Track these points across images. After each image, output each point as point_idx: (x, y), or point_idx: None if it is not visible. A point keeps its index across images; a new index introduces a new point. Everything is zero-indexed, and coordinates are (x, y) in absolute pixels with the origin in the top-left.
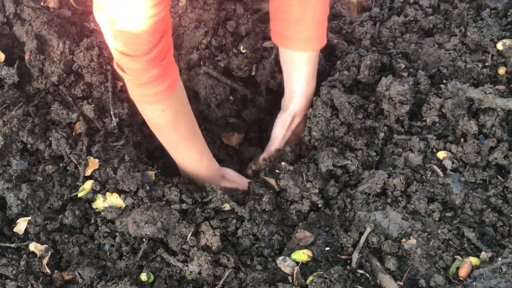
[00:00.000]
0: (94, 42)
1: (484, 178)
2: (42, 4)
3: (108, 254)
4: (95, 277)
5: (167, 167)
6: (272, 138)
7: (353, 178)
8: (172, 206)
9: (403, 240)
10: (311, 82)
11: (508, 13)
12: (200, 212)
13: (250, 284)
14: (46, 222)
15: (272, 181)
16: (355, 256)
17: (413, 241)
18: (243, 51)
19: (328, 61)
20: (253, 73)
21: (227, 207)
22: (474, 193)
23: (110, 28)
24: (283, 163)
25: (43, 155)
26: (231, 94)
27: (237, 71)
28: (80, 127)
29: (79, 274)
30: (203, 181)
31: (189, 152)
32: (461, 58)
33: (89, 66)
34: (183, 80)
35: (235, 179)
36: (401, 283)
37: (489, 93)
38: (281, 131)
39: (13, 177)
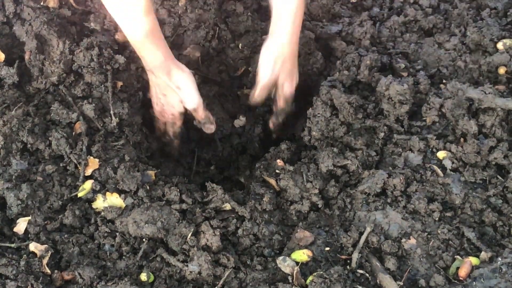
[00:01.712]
0: (94, 42)
1: (484, 178)
2: (42, 4)
3: (108, 254)
4: (95, 277)
5: (167, 167)
6: (259, 69)
7: (353, 178)
8: (172, 206)
9: (403, 240)
10: (299, 7)
11: (508, 13)
12: (200, 212)
13: (250, 284)
14: (46, 222)
15: (272, 181)
16: (355, 256)
17: (413, 241)
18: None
19: (328, 61)
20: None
21: (227, 207)
22: (474, 193)
23: None
24: (278, 161)
25: (43, 155)
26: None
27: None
28: (80, 127)
29: (79, 274)
30: (145, 66)
31: (135, 28)
32: (461, 58)
33: (89, 66)
34: None
35: (181, 85)
36: (401, 283)
37: (489, 93)
38: (268, 60)
39: (13, 177)
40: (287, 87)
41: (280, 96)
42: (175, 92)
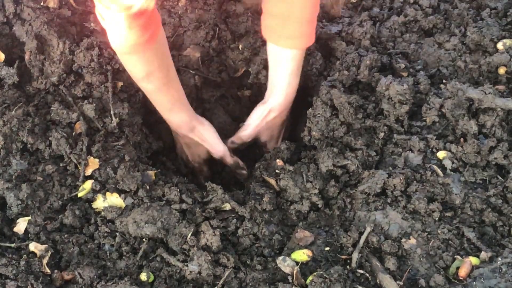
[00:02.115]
0: (94, 42)
1: (484, 178)
2: (42, 4)
3: (108, 254)
4: (95, 277)
5: (167, 167)
6: (246, 124)
7: (353, 178)
8: (172, 206)
9: (403, 240)
10: (293, 79)
11: (508, 13)
12: (200, 212)
13: (250, 284)
14: (46, 222)
15: (272, 181)
16: (355, 256)
17: (413, 241)
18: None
19: (328, 61)
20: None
21: (227, 206)
22: (474, 193)
23: None
24: (278, 161)
25: (43, 155)
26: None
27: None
28: (80, 127)
29: (79, 274)
30: (172, 127)
31: (161, 101)
32: (461, 58)
33: (89, 66)
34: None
35: (207, 136)
36: (401, 283)
37: (489, 93)
38: (255, 120)
39: (13, 177)
40: (269, 146)
41: (260, 150)
42: (200, 144)
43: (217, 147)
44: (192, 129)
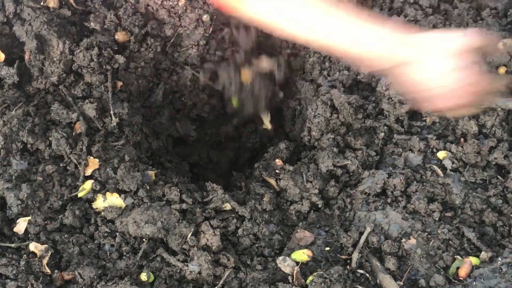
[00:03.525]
0: (94, 42)
1: (484, 178)
2: (42, 4)
3: (108, 254)
4: (95, 277)
5: (168, 167)
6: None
7: (353, 178)
8: (172, 206)
9: (403, 240)
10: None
11: (508, 13)
12: (200, 212)
13: (250, 284)
14: (46, 222)
15: (272, 181)
16: (355, 256)
17: (413, 241)
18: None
19: (328, 61)
20: None
21: (227, 206)
22: (474, 193)
23: None
24: (277, 161)
25: (43, 155)
26: None
27: None
28: (80, 127)
29: (79, 274)
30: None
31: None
32: None
33: (89, 66)
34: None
35: (434, 40)
36: (401, 283)
37: None
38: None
39: (13, 177)
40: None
41: None
42: (438, 56)
43: (457, 34)
44: (403, 43)
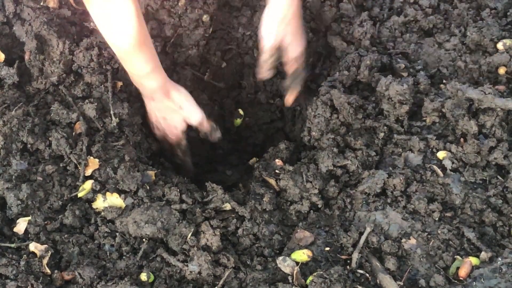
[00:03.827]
0: (94, 42)
1: (484, 178)
2: (42, 4)
3: (108, 254)
4: (95, 277)
5: (167, 167)
6: (262, 34)
7: (353, 178)
8: (172, 206)
9: (403, 240)
10: None
11: (508, 13)
12: (200, 212)
13: (250, 284)
14: (46, 222)
15: (272, 181)
16: (355, 256)
17: (413, 241)
18: None
19: (328, 61)
20: None
21: (227, 206)
22: (474, 193)
23: None
24: (277, 161)
25: (43, 155)
26: None
27: None
28: (80, 127)
29: (79, 274)
30: (146, 96)
31: (137, 61)
32: (461, 58)
33: (89, 66)
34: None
35: (182, 102)
36: (401, 283)
37: (488, 93)
38: (270, 22)
39: (13, 177)
40: (294, 49)
41: (289, 60)
42: (177, 112)
43: (195, 111)
44: (167, 93)
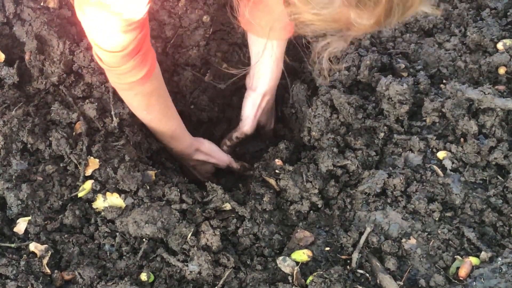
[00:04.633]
0: None
1: (484, 178)
2: (42, 4)
3: (108, 254)
4: (95, 277)
5: (168, 167)
6: (244, 118)
7: (353, 178)
8: (172, 206)
9: (403, 240)
10: (279, 63)
11: (508, 13)
12: (200, 212)
13: (250, 284)
14: (46, 222)
15: (272, 181)
16: (355, 256)
17: (413, 241)
18: None
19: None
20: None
21: (227, 206)
22: (474, 193)
23: (88, 26)
24: (277, 161)
25: (43, 155)
26: None
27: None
28: (80, 127)
29: (79, 274)
30: (175, 154)
31: (162, 130)
32: (461, 58)
33: (89, 66)
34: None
35: (211, 152)
36: (401, 283)
37: (488, 93)
38: (252, 110)
39: (13, 177)
40: (268, 128)
41: (265, 133)
42: (206, 163)
43: (222, 159)
44: (195, 151)
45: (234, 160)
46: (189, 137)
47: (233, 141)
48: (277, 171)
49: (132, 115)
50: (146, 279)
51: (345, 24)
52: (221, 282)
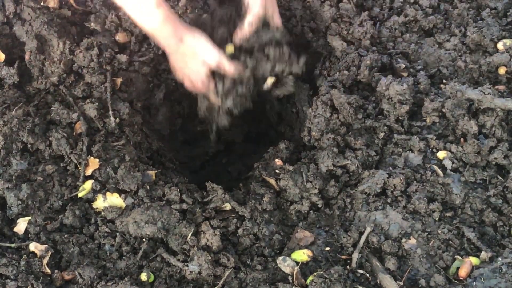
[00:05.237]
0: (94, 42)
1: (484, 178)
2: (42, 4)
3: (108, 254)
4: (95, 277)
5: (168, 167)
6: (251, 3)
7: (353, 178)
8: (172, 206)
9: (403, 240)
10: None
11: (508, 13)
12: (200, 212)
13: (250, 284)
14: (46, 222)
15: (272, 181)
16: (355, 256)
17: (413, 241)
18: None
19: (328, 61)
20: None
21: (227, 206)
22: (474, 193)
23: None
24: (277, 161)
25: (43, 155)
26: None
27: None
28: (80, 127)
29: (79, 274)
30: (162, 46)
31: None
32: (461, 58)
33: (89, 66)
34: None
35: (197, 46)
36: (401, 283)
37: (488, 93)
38: None
39: (13, 177)
40: (277, 18)
41: (272, 27)
42: (194, 57)
43: (210, 51)
44: (181, 39)
45: (227, 58)
46: (176, 23)
47: (245, 30)
48: (277, 171)
49: (132, 115)
50: (146, 279)
51: None
52: (221, 282)
